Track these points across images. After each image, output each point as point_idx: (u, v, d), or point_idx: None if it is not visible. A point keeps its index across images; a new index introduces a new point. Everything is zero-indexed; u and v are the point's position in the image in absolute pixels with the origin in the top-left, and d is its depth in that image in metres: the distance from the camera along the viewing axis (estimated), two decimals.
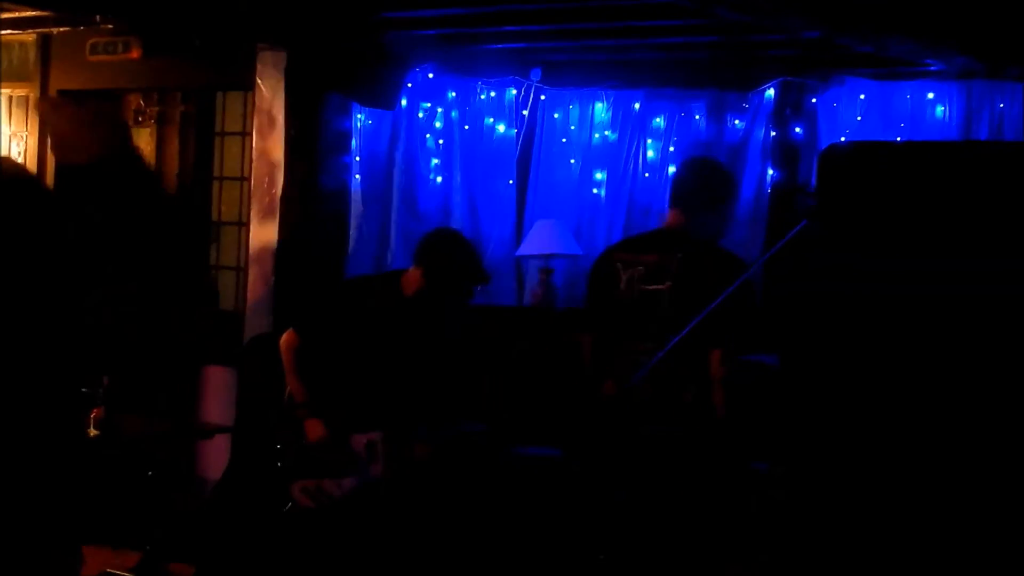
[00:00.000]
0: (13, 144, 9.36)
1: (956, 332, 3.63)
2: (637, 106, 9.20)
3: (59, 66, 9.26)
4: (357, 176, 8.84)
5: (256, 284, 8.34)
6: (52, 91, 9.29)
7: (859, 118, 8.49)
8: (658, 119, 9.17)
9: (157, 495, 7.56)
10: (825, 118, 8.64)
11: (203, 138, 9.22)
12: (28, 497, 2.93)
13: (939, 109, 8.36)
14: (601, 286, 5.64)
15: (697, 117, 9.05)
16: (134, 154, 3.44)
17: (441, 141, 9.21)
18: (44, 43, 9.28)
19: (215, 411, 8.44)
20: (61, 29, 9.02)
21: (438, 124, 9.20)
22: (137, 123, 9.32)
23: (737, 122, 8.92)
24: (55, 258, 3.22)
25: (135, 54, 8.83)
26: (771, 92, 8.79)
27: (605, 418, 5.49)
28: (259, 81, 8.32)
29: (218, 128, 9.26)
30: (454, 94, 9.22)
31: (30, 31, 9.15)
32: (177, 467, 8.32)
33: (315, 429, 6.13)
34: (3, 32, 9.05)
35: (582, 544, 5.89)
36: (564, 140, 9.40)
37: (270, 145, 8.32)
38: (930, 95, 8.37)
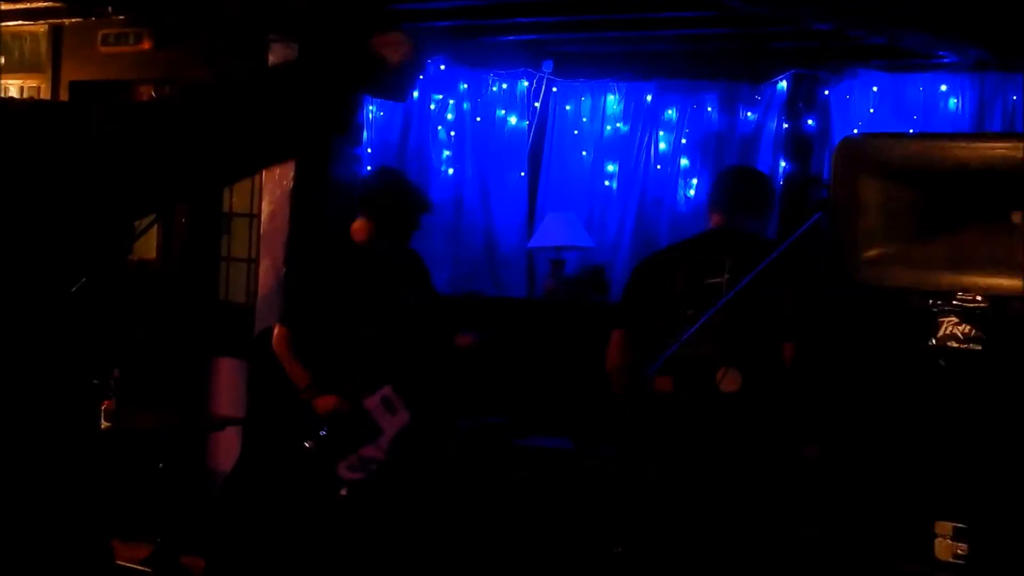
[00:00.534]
0: None
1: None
2: (649, 98, 9.19)
3: (70, 57, 9.26)
4: (368, 168, 8.82)
5: (267, 276, 8.33)
6: (64, 82, 9.29)
7: (872, 110, 8.47)
8: (670, 111, 9.15)
9: (168, 487, 7.57)
10: (838, 110, 8.62)
11: None
12: (44, 492, 2.91)
13: (952, 101, 8.34)
14: (649, 284, 5.66)
15: (709, 109, 9.04)
16: None
17: (453, 133, 9.20)
18: (55, 34, 9.28)
19: (226, 403, 8.44)
20: (72, 20, 9.02)
21: (450, 116, 9.18)
22: None
23: (749, 114, 8.91)
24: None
25: (147, 45, 8.83)
26: (783, 84, 8.78)
27: (659, 415, 5.50)
28: None
29: None
30: (466, 86, 9.20)
31: (41, 22, 9.15)
32: (188, 459, 8.32)
33: (326, 403, 6.15)
34: (14, 23, 9.05)
35: (599, 536, 5.88)
36: (576, 132, 9.39)
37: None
38: (943, 87, 8.35)
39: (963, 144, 3.76)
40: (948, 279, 3.62)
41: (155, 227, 8.30)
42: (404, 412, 6.11)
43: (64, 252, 2.76)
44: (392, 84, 8.86)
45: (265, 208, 8.36)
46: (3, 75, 9.13)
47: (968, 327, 3.51)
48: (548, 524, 6.55)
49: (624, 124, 9.28)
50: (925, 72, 8.38)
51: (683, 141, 9.12)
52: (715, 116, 9.03)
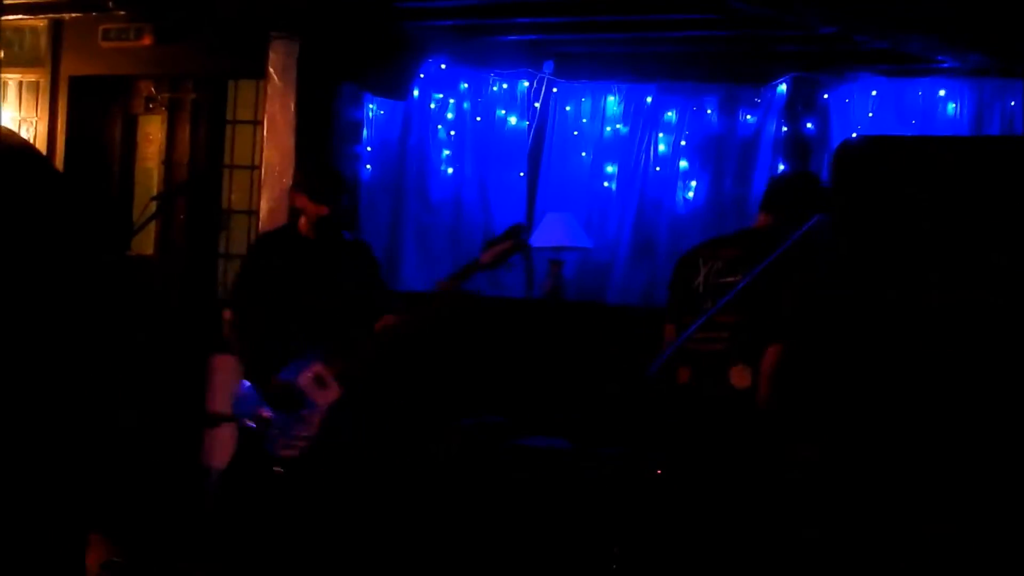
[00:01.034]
0: (23, 129, 9.34)
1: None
2: (649, 100, 9.20)
3: (70, 52, 9.24)
4: (368, 166, 8.83)
5: None
6: (63, 77, 9.28)
7: (871, 114, 8.49)
8: (670, 113, 9.16)
9: (163, 484, 7.57)
10: (837, 114, 8.64)
11: (214, 126, 9.20)
12: (40, 483, 2.91)
13: (951, 106, 8.36)
14: (680, 279, 5.75)
15: (709, 111, 9.05)
16: None
17: (453, 132, 9.20)
18: (56, 29, 9.26)
19: (223, 400, 8.42)
20: (73, 15, 9.01)
21: (450, 115, 9.19)
22: (148, 110, 9.31)
23: (749, 117, 8.92)
24: (59, 234, 3.19)
25: (147, 41, 8.81)
26: (783, 87, 8.79)
27: (675, 407, 5.55)
28: (271, 70, 8.31)
29: (229, 116, 9.24)
30: (466, 85, 9.21)
31: (42, 16, 9.14)
32: (184, 456, 8.32)
33: (263, 382, 6.22)
34: (14, 17, 9.03)
35: (597, 536, 5.89)
36: (575, 133, 9.40)
37: (281, 134, 8.30)
38: (942, 92, 8.37)
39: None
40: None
41: (153, 223, 8.30)
42: (335, 387, 6.13)
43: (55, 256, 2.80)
44: (392, 83, 8.90)
45: (264, 205, 8.36)
46: (3, 69, 9.11)
47: None
48: (546, 524, 6.56)
49: (624, 125, 9.29)
50: (924, 77, 8.40)
51: (683, 143, 9.13)
52: (715, 118, 9.04)
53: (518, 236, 6.22)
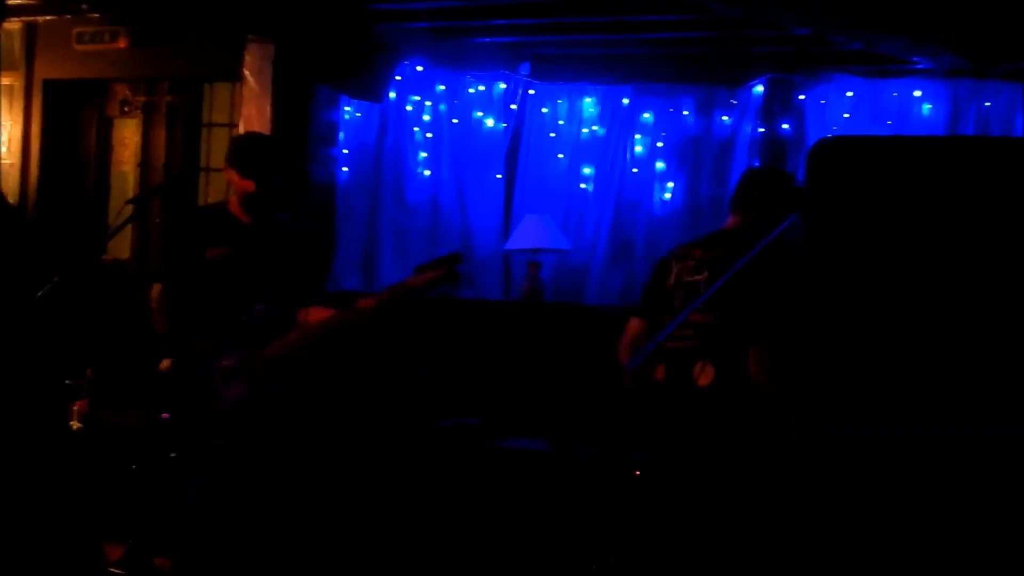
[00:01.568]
0: None
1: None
2: (626, 101, 9.21)
3: (45, 55, 9.21)
4: (345, 169, 8.82)
5: None
6: (37, 80, 9.25)
7: (846, 115, 8.51)
8: (647, 114, 9.17)
9: (142, 488, 7.54)
10: (812, 115, 8.66)
11: (190, 129, 9.18)
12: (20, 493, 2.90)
13: (926, 107, 8.38)
14: (655, 278, 5.80)
15: (685, 113, 9.06)
16: None
17: (429, 134, 9.20)
18: (30, 32, 9.23)
19: None
20: (47, 17, 8.98)
21: (426, 117, 9.18)
22: (123, 113, 9.29)
23: (725, 118, 8.93)
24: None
25: (122, 44, 8.79)
26: (759, 88, 8.81)
27: (652, 404, 5.58)
28: (247, 72, 8.29)
29: (205, 119, 9.23)
30: (443, 87, 9.20)
31: (15, 19, 9.10)
32: (162, 460, 8.29)
33: (169, 367, 6.10)
34: None
35: (576, 537, 5.90)
36: (552, 135, 9.40)
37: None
38: (917, 93, 8.40)
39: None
40: None
41: (129, 226, 8.27)
42: (242, 383, 6.00)
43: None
44: (368, 85, 8.86)
45: None
46: None
47: None
48: (525, 525, 6.56)
49: (601, 127, 9.29)
50: (900, 78, 8.43)
51: (659, 144, 9.14)
52: (691, 120, 9.05)
53: (452, 266, 5.98)
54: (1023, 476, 3.60)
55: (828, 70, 8.58)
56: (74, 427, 7.76)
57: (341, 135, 8.72)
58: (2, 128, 9.40)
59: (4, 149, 9.28)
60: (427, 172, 9.20)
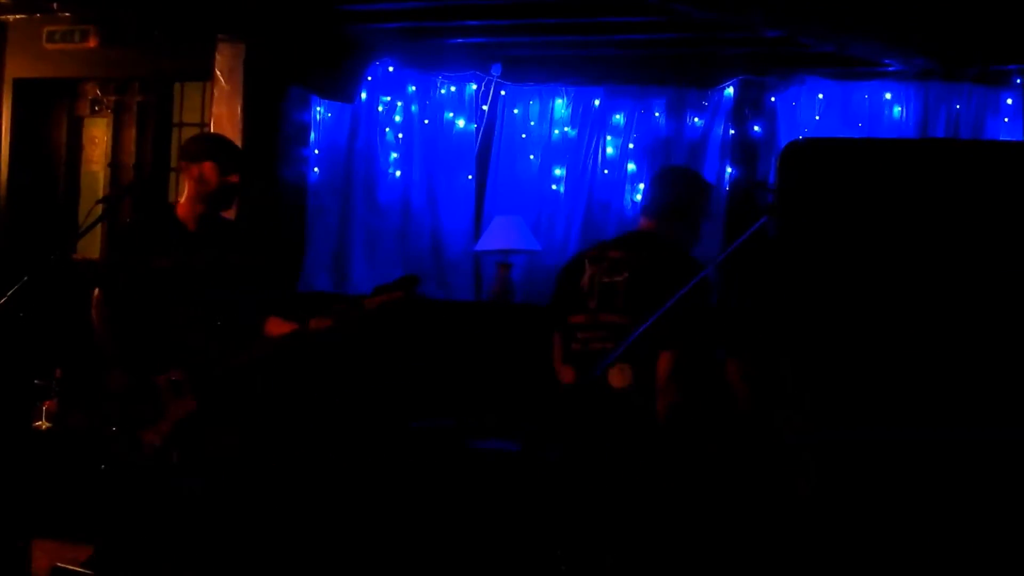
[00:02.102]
0: None
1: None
2: (597, 103, 9.21)
3: (14, 54, 9.16)
4: (316, 169, 8.81)
5: None
6: (7, 79, 9.20)
7: (817, 117, 8.53)
8: (618, 116, 9.18)
9: (110, 489, 7.51)
10: (784, 117, 8.67)
11: (161, 129, 9.15)
12: None
13: (896, 109, 8.41)
14: (566, 281, 5.74)
15: (657, 114, 9.07)
16: None
17: (401, 135, 9.19)
18: (0, 30, 9.19)
19: None
20: (17, 16, 8.93)
21: (398, 118, 9.17)
22: (94, 112, 9.25)
23: (696, 120, 8.94)
24: None
25: (92, 43, 8.76)
26: (731, 90, 8.82)
27: (568, 407, 5.56)
28: (218, 72, 8.27)
29: (176, 119, 9.20)
30: (414, 88, 9.19)
31: None
32: (120, 460, 8.25)
33: (116, 379, 5.98)
34: None
35: (541, 537, 5.89)
36: (524, 136, 9.40)
37: (228, 136, 8.26)
38: (888, 95, 8.42)
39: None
40: None
41: (100, 225, 8.23)
42: (190, 399, 5.91)
43: None
44: (339, 85, 8.84)
45: None
46: None
47: None
48: (496, 526, 6.56)
49: (572, 128, 9.29)
50: (871, 80, 8.45)
51: (631, 146, 9.14)
52: (663, 121, 9.05)
53: (410, 288, 5.89)
54: (995, 471, 3.61)
55: (799, 72, 8.60)
56: (43, 427, 7.73)
57: (312, 135, 8.71)
58: None
59: None
60: (398, 173, 9.19)
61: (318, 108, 8.73)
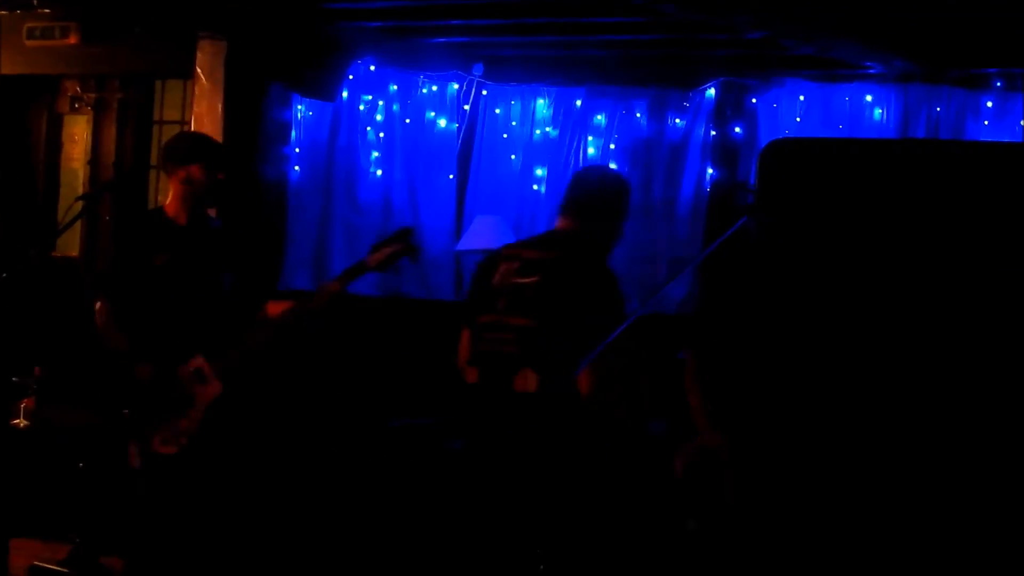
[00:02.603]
0: None
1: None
2: (579, 103, 9.21)
3: None
4: (296, 167, 8.80)
5: None
6: None
7: (798, 119, 8.55)
8: (599, 116, 9.18)
9: (88, 487, 7.49)
10: (765, 118, 8.69)
11: (141, 126, 9.13)
12: None
13: (877, 111, 8.43)
14: (480, 278, 5.67)
15: (638, 115, 9.07)
16: None
17: (382, 134, 9.18)
18: None
19: None
20: None
21: (379, 117, 9.17)
22: (74, 110, 9.23)
23: (678, 121, 8.95)
24: None
25: (73, 40, 8.73)
26: (712, 92, 8.83)
27: (472, 407, 5.52)
28: (199, 70, 8.25)
29: (156, 116, 9.18)
30: (396, 87, 9.19)
31: None
32: (109, 458, 8.24)
33: (143, 372, 6.09)
34: None
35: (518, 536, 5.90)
36: (505, 136, 9.40)
37: (209, 134, 8.24)
38: (868, 97, 8.44)
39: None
40: None
41: (79, 223, 8.22)
42: (216, 383, 6.02)
43: None
44: (321, 84, 8.83)
45: None
46: None
47: None
48: (473, 524, 6.56)
49: (553, 128, 9.29)
50: (851, 82, 8.47)
51: (612, 147, 9.14)
52: (644, 122, 9.06)
53: (407, 239, 6.08)
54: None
55: (780, 74, 8.62)
56: (21, 424, 7.71)
57: (293, 134, 8.70)
58: None
59: None
60: (379, 172, 9.18)
61: (299, 106, 8.72)
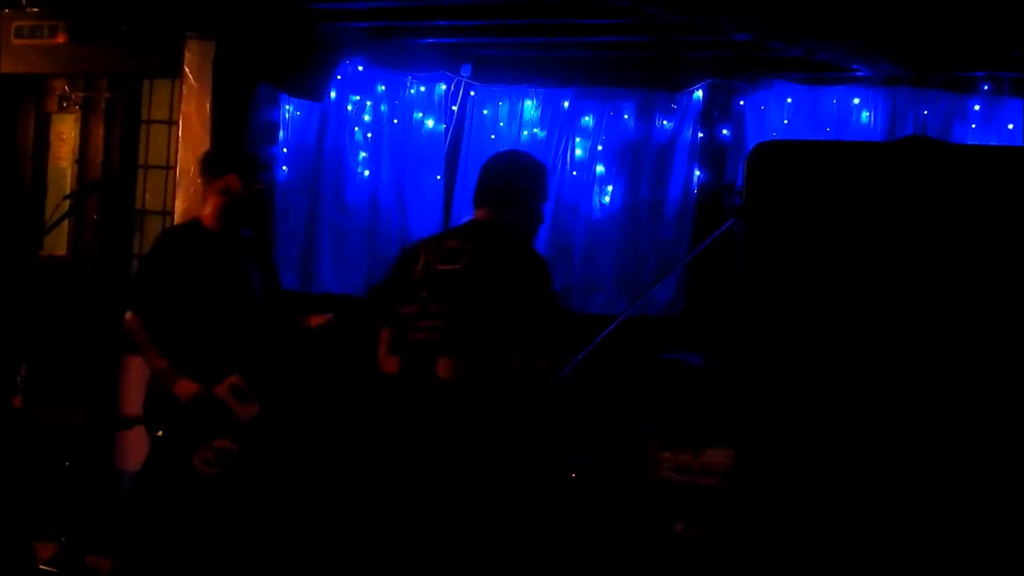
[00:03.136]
0: None
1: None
2: (566, 104, 9.21)
3: None
4: (284, 168, 8.80)
5: None
6: None
7: (786, 121, 8.56)
8: (587, 118, 9.18)
9: (75, 486, 7.49)
10: (752, 120, 8.70)
11: (129, 126, 9.12)
12: None
13: (864, 114, 8.44)
14: (399, 271, 5.66)
15: (626, 116, 9.08)
16: None
17: (370, 135, 9.18)
18: None
19: (135, 402, 8.34)
20: None
21: (367, 117, 9.16)
22: (62, 109, 9.21)
23: (665, 122, 8.95)
24: None
25: (61, 39, 8.72)
26: (699, 93, 8.84)
27: (390, 398, 5.52)
28: (187, 69, 8.24)
29: (144, 116, 9.17)
30: (383, 88, 9.19)
31: None
32: (96, 458, 8.24)
33: (186, 388, 6.08)
34: None
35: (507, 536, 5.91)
36: (493, 136, 9.39)
37: (197, 134, 8.24)
38: (856, 100, 8.45)
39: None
40: None
41: (66, 222, 8.22)
42: (255, 402, 6.02)
43: None
44: (308, 84, 8.83)
45: (179, 206, 8.29)
46: None
47: None
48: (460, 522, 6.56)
49: (541, 130, 9.29)
50: (839, 85, 8.48)
51: (599, 148, 9.14)
52: (631, 124, 9.06)
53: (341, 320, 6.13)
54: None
55: (768, 76, 8.63)
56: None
57: (281, 134, 8.70)
58: None
59: None
60: (367, 172, 9.18)
61: (287, 107, 8.72)
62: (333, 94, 8.87)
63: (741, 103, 8.74)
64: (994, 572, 3.55)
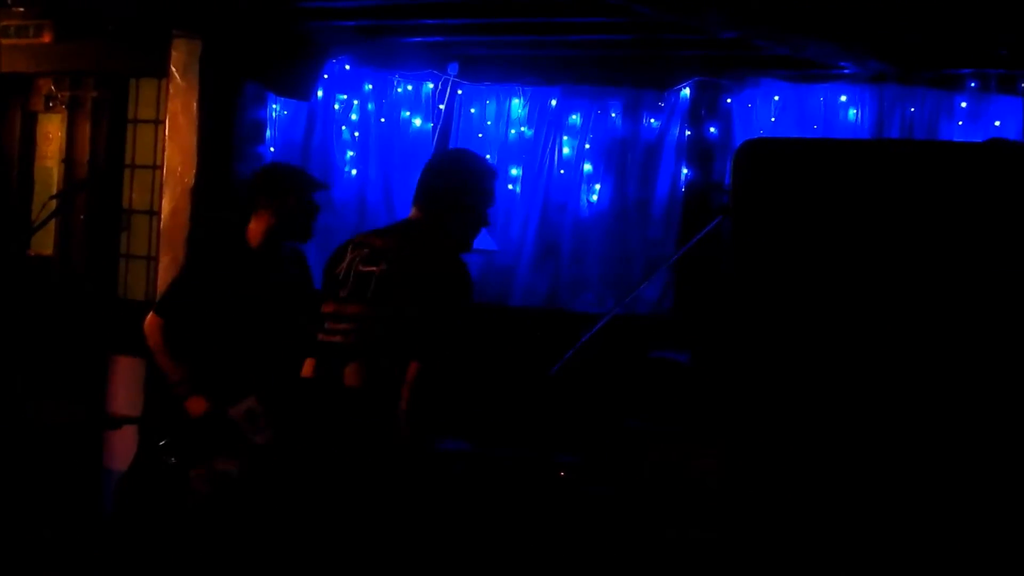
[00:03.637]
0: None
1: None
2: (554, 103, 9.22)
3: None
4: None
5: (167, 274, 8.24)
6: None
7: (773, 119, 8.58)
8: (574, 116, 9.19)
9: (63, 485, 7.48)
10: (740, 118, 8.71)
11: (115, 125, 9.10)
12: None
13: (851, 112, 8.46)
14: (328, 267, 5.55)
15: (613, 115, 9.09)
16: None
17: (357, 134, 9.17)
18: None
19: (124, 402, 8.35)
20: None
21: (354, 116, 9.16)
22: (48, 108, 9.19)
23: (653, 120, 8.96)
24: None
25: (47, 38, 8.70)
26: (687, 91, 8.85)
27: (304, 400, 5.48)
28: (173, 68, 8.23)
29: (131, 115, 9.14)
30: (371, 87, 9.18)
31: None
32: (84, 458, 8.22)
33: (197, 405, 6.03)
34: None
35: (497, 539, 5.91)
36: (480, 135, 9.40)
37: (184, 133, 8.23)
38: (843, 98, 8.47)
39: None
40: None
41: (53, 222, 8.20)
42: (268, 430, 5.94)
43: None
44: (295, 83, 8.84)
45: (166, 205, 8.28)
46: None
47: None
48: (449, 526, 6.55)
49: (529, 128, 9.30)
50: (826, 83, 8.49)
51: (587, 146, 9.16)
52: (619, 122, 9.07)
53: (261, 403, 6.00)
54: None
55: (755, 74, 8.64)
56: None
57: (268, 133, 8.68)
58: None
59: None
60: (354, 171, 9.18)
61: (274, 106, 8.71)
62: (320, 93, 8.86)
63: (728, 101, 8.75)
64: (987, 570, 3.55)
